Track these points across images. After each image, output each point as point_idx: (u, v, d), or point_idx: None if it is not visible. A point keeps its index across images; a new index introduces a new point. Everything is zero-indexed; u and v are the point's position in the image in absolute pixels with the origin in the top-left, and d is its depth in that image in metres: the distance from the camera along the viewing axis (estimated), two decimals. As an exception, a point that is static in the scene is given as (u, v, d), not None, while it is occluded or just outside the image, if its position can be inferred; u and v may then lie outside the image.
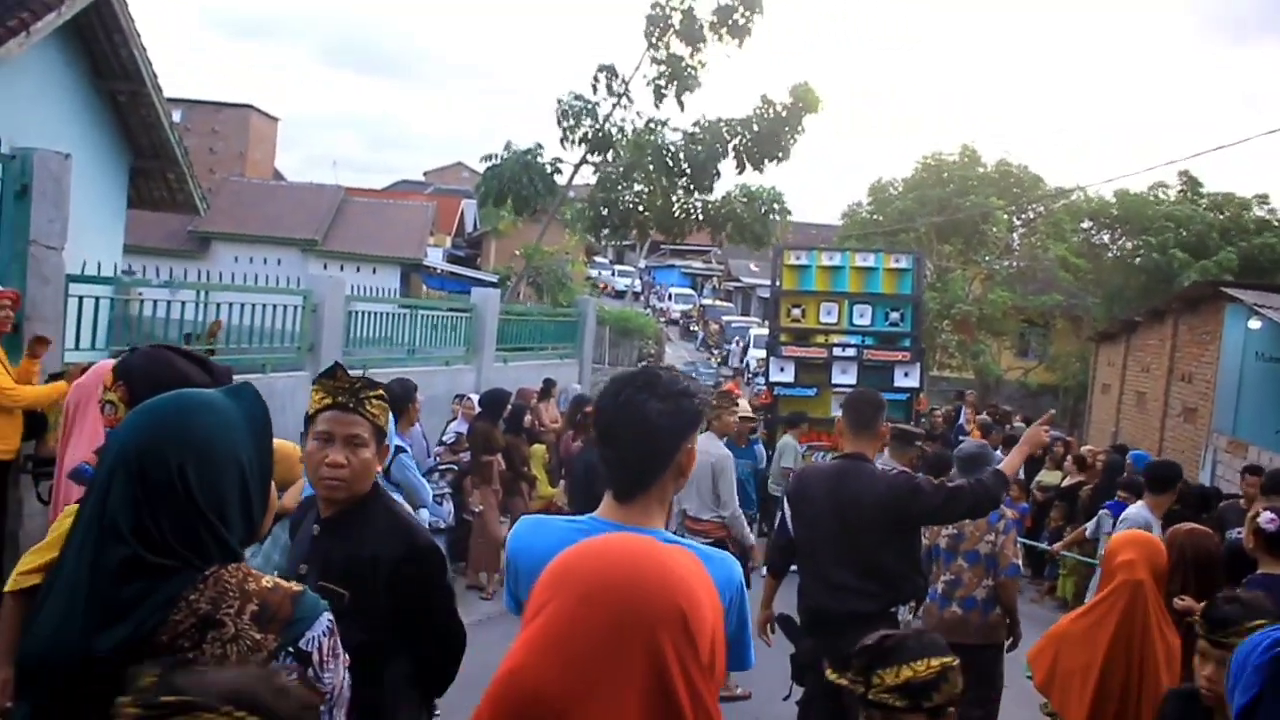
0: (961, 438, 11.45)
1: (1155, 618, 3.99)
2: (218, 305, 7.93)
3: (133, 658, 1.46)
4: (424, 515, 6.09)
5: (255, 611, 1.58)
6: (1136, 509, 6.06)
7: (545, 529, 2.19)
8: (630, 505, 2.11)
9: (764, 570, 5.20)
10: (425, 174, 61.07)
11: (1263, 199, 26.94)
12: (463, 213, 42.88)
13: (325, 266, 29.50)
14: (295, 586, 1.68)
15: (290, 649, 1.60)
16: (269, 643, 1.57)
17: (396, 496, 4.81)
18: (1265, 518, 4.55)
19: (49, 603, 1.57)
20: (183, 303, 7.85)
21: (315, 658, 1.63)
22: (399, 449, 6.13)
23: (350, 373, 2.62)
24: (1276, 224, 25.79)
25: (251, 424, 1.69)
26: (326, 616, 1.67)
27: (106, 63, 11.72)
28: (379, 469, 2.64)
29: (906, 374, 11.16)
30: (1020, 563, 6.16)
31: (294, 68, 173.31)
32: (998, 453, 8.40)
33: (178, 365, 2.10)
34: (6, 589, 1.74)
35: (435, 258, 34.43)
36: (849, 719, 4.35)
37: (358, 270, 30.03)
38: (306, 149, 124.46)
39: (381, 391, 2.61)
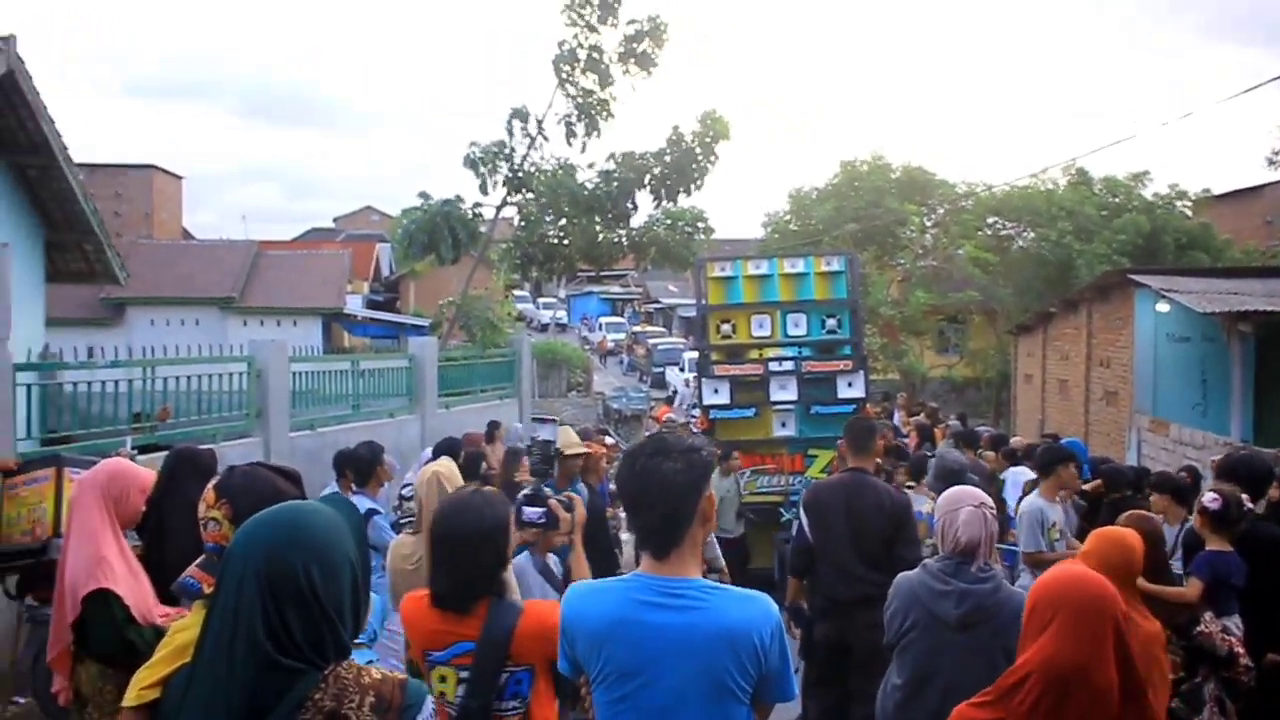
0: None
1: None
2: (164, 380, 7.80)
3: None
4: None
5: (373, 703, 1.70)
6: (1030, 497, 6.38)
7: (599, 593, 2.32)
8: (667, 560, 2.26)
9: None
10: (335, 220, 60.57)
11: (1142, 176, 28.56)
12: (378, 257, 42.54)
13: (245, 323, 28.99)
14: (399, 675, 1.79)
15: None
16: None
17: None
18: (1209, 497, 4.87)
19: (186, 708, 1.65)
20: (116, 381, 7.69)
21: None
22: (371, 511, 6.13)
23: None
24: (1153, 199, 27.34)
25: (353, 528, 1.79)
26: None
27: (14, 138, 11.49)
28: None
29: (850, 384, 10.16)
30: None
31: (207, 124, 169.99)
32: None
33: (275, 481, 2.25)
34: (127, 704, 1.81)
35: (355, 305, 34.08)
36: (850, 700, 4.86)
37: (278, 324, 29.55)
38: (218, 205, 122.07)
39: None
